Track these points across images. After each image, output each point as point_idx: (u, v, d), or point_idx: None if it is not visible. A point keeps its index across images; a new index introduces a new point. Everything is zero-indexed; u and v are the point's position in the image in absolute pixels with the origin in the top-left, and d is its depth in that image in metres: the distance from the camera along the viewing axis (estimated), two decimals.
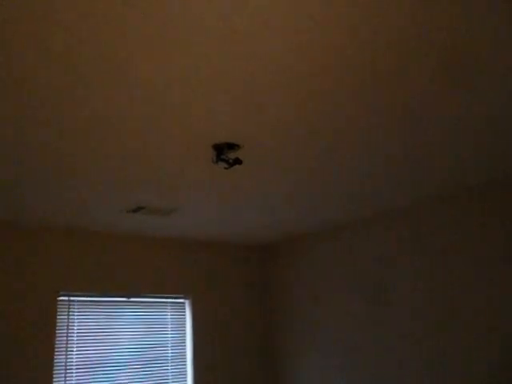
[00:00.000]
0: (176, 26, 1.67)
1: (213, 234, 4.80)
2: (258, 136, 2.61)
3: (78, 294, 4.25)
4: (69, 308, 4.18)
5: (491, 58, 1.98)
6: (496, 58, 1.98)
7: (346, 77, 2.07)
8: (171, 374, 4.59)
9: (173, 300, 4.81)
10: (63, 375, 4.00)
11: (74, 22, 1.63)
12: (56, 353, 4.00)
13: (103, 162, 2.84)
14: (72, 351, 4.09)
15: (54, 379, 3.94)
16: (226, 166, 2.92)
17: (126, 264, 4.55)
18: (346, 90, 2.18)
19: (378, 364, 4.11)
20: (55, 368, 3.97)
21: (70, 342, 4.10)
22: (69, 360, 4.06)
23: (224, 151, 2.72)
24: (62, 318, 4.12)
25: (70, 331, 4.12)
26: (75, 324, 4.17)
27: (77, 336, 4.15)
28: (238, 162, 2.66)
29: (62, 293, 4.17)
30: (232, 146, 2.70)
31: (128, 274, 4.54)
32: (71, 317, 4.17)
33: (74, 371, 4.06)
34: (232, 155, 2.82)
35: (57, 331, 4.05)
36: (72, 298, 4.21)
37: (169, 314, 4.75)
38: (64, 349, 4.06)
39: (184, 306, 4.88)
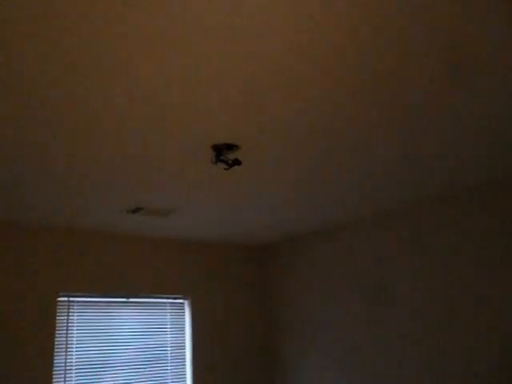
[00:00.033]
0: (176, 25, 1.67)
1: (212, 234, 4.80)
2: (257, 136, 2.61)
3: (78, 294, 4.25)
4: (68, 308, 4.18)
5: (491, 58, 1.98)
6: (496, 58, 1.98)
7: (346, 77, 2.07)
8: (171, 375, 4.59)
9: (172, 300, 4.81)
10: (63, 375, 4.00)
11: (74, 22, 1.63)
12: (56, 353, 4.00)
13: (103, 162, 2.84)
14: (72, 351, 4.09)
15: (54, 379, 3.94)
16: (226, 166, 2.92)
17: (125, 264, 4.55)
18: (346, 90, 2.18)
19: (378, 364, 4.11)
20: (55, 368, 3.97)
21: (69, 342, 4.10)
22: (68, 360, 4.06)
23: (223, 152, 2.71)
24: (61, 318, 4.12)
25: (69, 331, 4.12)
26: (75, 324, 4.17)
27: (76, 336, 4.15)
28: (237, 162, 2.64)
29: (61, 293, 4.17)
30: (231, 147, 2.70)
31: (127, 274, 4.54)
32: (71, 317, 4.17)
33: (73, 371, 4.05)
34: (231, 156, 2.82)
35: (56, 331, 4.05)
36: (72, 299, 4.22)
37: (168, 315, 4.75)
38: (64, 349, 4.06)
39: (183, 306, 4.88)
